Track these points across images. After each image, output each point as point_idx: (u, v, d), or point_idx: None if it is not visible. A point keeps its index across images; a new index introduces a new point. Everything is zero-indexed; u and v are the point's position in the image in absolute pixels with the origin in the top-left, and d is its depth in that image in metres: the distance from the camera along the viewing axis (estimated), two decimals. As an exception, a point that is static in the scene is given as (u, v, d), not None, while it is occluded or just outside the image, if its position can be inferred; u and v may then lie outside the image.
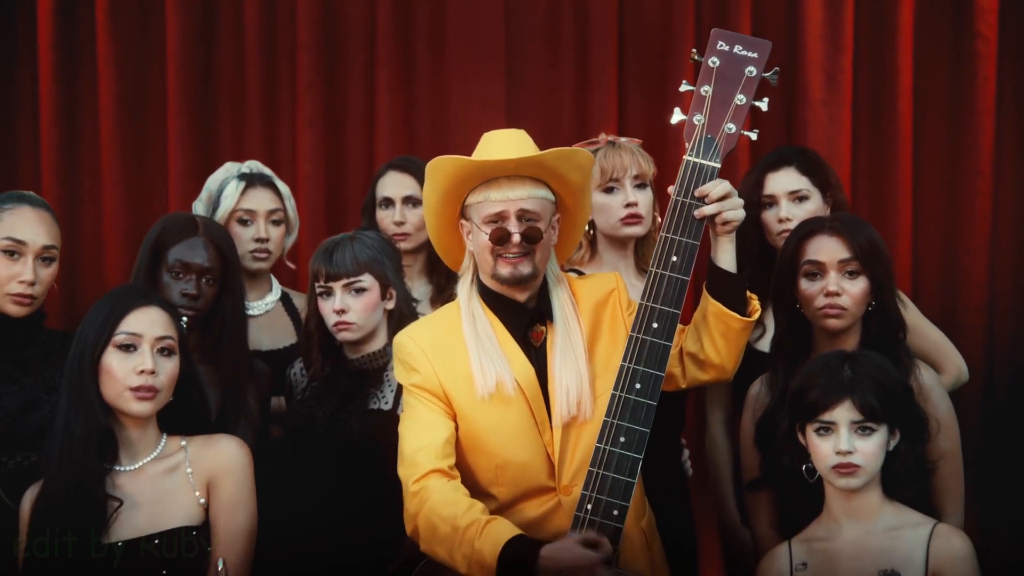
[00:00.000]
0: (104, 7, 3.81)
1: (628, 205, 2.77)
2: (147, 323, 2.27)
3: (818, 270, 2.49)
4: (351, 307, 2.63)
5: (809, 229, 2.56)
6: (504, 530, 2.08)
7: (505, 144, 2.27)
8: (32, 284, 2.56)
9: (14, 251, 2.57)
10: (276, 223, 3.12)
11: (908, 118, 3.82)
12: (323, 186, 3.88)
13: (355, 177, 3.90)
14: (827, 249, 2.49)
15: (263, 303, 3.14)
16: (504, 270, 2.23)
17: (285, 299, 3.23)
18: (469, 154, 2.34)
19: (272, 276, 3.26)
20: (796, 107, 3.83)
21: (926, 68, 3.87)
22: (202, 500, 2.27)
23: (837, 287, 2.46)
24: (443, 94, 3.87)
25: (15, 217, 2.60)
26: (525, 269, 2.23)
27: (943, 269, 3.90)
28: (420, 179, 3.04)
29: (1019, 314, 3.85)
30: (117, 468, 2.27)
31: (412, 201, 3.17)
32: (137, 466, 2.29)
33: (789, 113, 3.86)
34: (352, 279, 2.64)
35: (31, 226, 2.59)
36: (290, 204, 3.21)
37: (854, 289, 2.48)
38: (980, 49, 3.77)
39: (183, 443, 2.33)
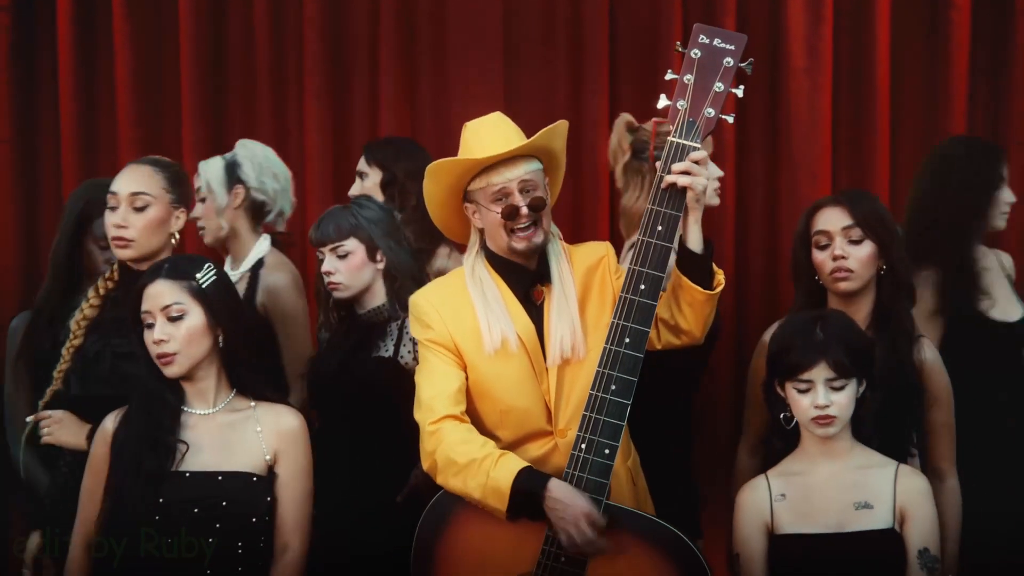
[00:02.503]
0: (120, -13, 4.00)
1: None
2: (152, 298, 2.58)
3: (827, 239, 2.83)
4: (338, 269, 2.98)
5: (816, 204, 2.92)
6: (517, 461, 2.39)
7: (492, 134, 2.53)
8: (123, 227, 2.92)
9: (112, 204, 2.95)
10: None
11: (886, 84, 4.02)
12: (330, 156, 4.06)
13: (360, 147, 3.96)
14: (832, 219, 2.84)
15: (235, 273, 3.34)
16: (520, 245, 2.51)
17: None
18: (460, 126, 2.61)
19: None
20: (780, 76, 4.02)
21: (903, 36, 4.05)
22: (268, 458, 2.60)
23: (843, 251, 2.80)
24: (443, 69, 4.06)
25: (116, 177, 2.99)
26: (538, 239, 2.52)
27: (920, 227, 4.18)
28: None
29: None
30: (192, 411, 2.62)
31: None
32: (210, 412, 2.62)
33: (773, 81, 4.04)
34: (336, 244, 2.99)
35: (123, 178, 2.98)
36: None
37: (859, 253, 2.81)
38: (954, 17, 3.97)
39: (252, 404, 2.65)
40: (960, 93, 4.03)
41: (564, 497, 2.35)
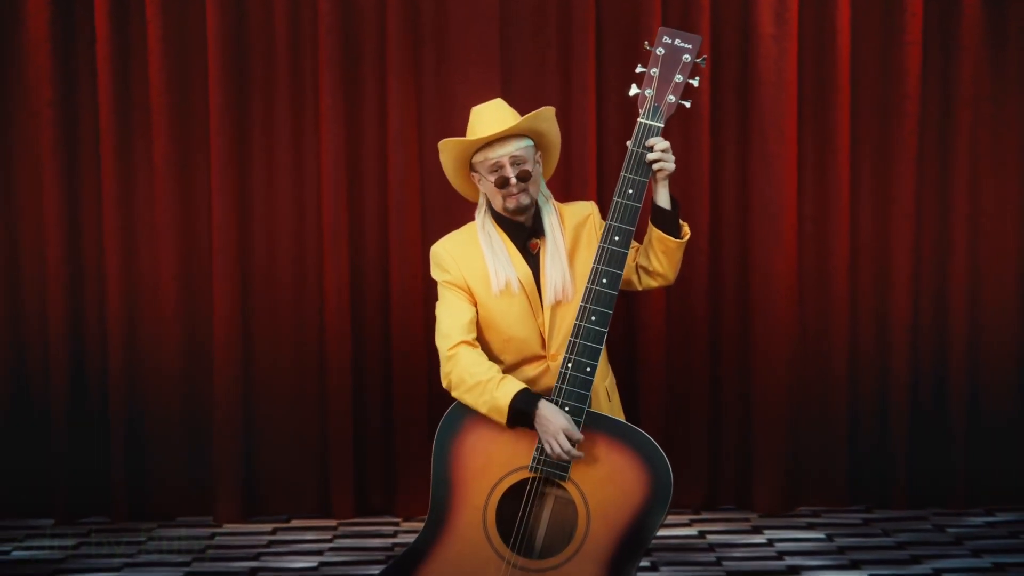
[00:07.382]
0: (151, -39, 4.52)
1: None
2: None
3: None
4: None
5: None
6: (514, 384, 3.13)
7: (491, 117, 3.25)
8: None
9: None
10: None
11: (846, 49, 4.67)
12: (342, 117, 4.63)
13: (370, 109, 4.69)
14: None
15: None
16: (510, 204, 3.25)
17: None
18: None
19: None
20: (750, 42, 4.67)
21: (861, 5, 4.69)
22: None
23: None
24: (445, 41, 4.63)
25: None
26: (524, 200, 3.26)
27: (876, 177, 4.80)
28: None
29: (940, 211, 4.82)
30: None
31: None
32: None
33: (744, 47, 4.71)
34: None
35: None
36: None
37: None
38: (909, -12, 4.59)
39: None
40: (914, 57, 4.68)
41: (549, 415, 3.09)
